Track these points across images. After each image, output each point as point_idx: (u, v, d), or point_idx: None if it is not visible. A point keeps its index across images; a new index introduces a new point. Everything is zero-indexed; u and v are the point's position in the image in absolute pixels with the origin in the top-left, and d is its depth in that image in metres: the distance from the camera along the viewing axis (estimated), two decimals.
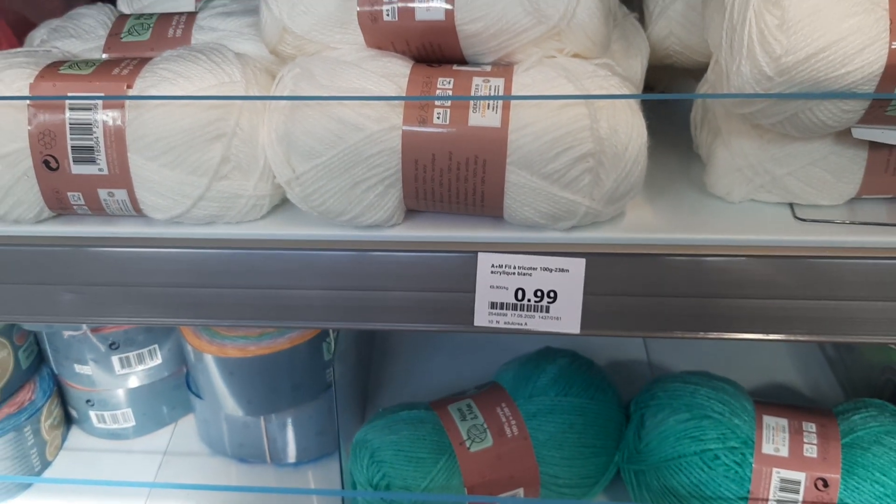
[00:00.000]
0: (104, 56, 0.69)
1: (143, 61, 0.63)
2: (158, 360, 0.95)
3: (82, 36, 0.71)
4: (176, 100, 0.59)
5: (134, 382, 0.96)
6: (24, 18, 0.79)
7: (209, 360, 0.87)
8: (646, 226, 0.61)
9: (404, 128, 0.57)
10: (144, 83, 0.60)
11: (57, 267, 0.64)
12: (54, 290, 0.64)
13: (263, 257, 0.62)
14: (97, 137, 0.60)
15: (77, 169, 0.61)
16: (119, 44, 0.70)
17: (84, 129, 0.60)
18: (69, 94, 0.60)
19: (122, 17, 0.73)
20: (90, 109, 0.60)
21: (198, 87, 0.60)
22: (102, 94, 0.59)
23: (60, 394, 0.99)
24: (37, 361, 0.97)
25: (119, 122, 0.59)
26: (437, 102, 0.57)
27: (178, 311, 0.64)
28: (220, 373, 0.87)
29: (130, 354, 0.93)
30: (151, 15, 0.73)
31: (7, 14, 0.78)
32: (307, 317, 0.64)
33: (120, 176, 0.61)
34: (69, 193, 0.62)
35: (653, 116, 0.59)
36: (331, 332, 0.90)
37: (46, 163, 0.61)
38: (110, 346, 0.91)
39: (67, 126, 0.60)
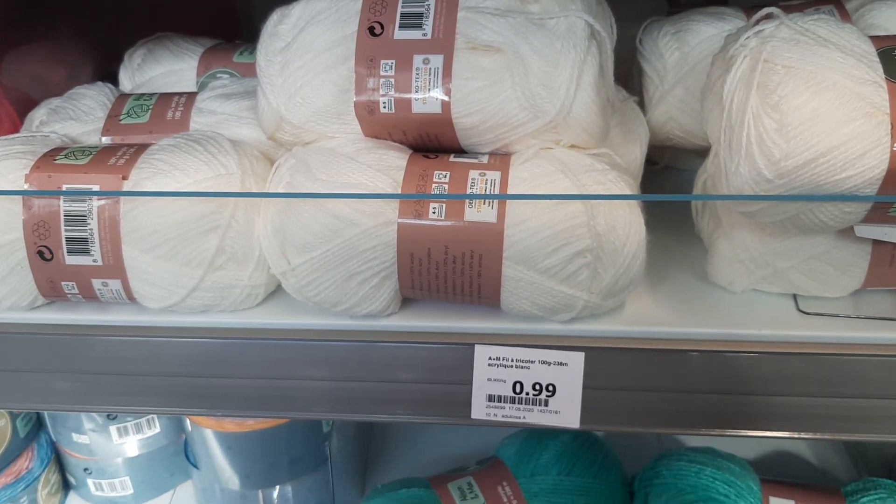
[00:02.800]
0: (103, 139, 0.69)
1: (141, 149, 0.63)
2: (157, 429, 0.94)
3: (81, 118, 0.71)
4: (171, 196, 0.59)
5: (132, 451, 0.95)
6: (26, 96, 0.79)
7: (207, 433, 0.86)
8: (647, 317, 0.60)
9: (400, 221, 0.57)
10: (140, 175, 0.60)
11: (51, 354, 0.63)
12: (49, 378, 0.64)
13: (258, 346, 0.61)
14: (91, 229, 0.59)
15: (71, 260, 0.60)
16: (118, 126, 0.70)
17: (79, 220, 0.59)
18: (63, 189, 0.59)
19: (122, 97, 0.73)
20: (85, 201, 0.59)
21: (193, 179, 0.59)
22: (97, 189, 0.59)
23: (59, 460, 0.98)
24: (35, 429, 0.96)
25: (114, 214, 0.59)
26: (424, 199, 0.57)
27: (173, 400, 0.63)
28: (217, 446, 0.86)
29: (128, 424, 0.92)
30: (151, 95, 0.73)
31: (10, 92, 0.78)
32: (302, 408, 0.63)
33: (114, 267, 0.60)
34: (63, 283, 0.61)
35: (653, 202, 0.58)
36: None
37: (40, 253, 0.60)
38: (108, 415, 0.90)
39: (62, 217, 0.60)
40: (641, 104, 0.69)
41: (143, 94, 0.73)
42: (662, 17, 0.71)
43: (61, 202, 0.60)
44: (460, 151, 0.62)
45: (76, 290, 0.62)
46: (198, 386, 0.63)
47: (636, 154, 0.65)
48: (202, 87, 0.80)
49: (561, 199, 0.55)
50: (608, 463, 0.84)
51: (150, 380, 0.63)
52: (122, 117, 0.70)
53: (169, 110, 0.70)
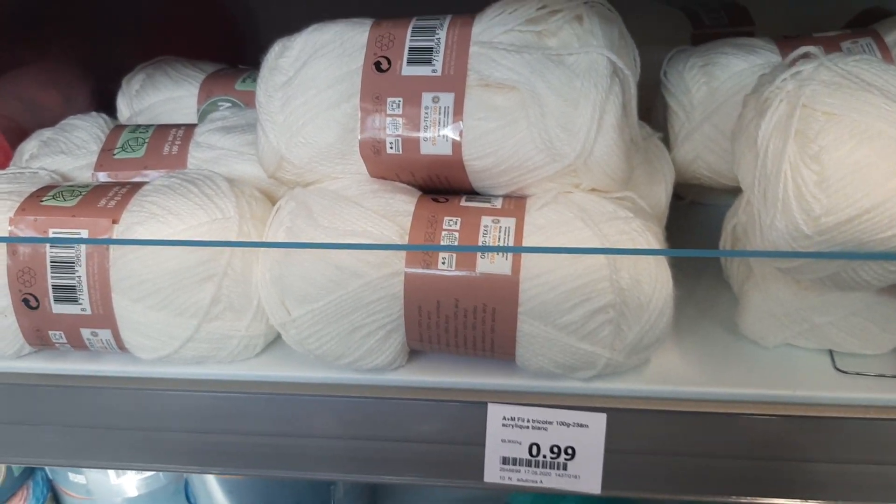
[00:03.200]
0: (98, 175, 0.65)
1: (134, 189, 0.59)
2: None
3: (73, 152, 0.67)
4: (164, 244, 0.55)
5: (131, 491, 0.91)
6: (18, 126, 0.76)
7: (209, 477, 0.82)
8: (673, 375, 0.56)
9: (407, 271, 0.53)
10: (131, 219, 0.56)
11: (39, 406, 0.60)
12: (37, 431, 0.60)
13: (257, 400, 0.58)
14: (80, 276, 0.56)
15: (58, 308, 0.57)
16: (111, 161, 0.66)
17: (66, 267, 0.56)
18: (50, 235, 0.56)
19: (117, 129, 0.69)
20: (73, 247, 0.56)
21: (188, 224, 0.56)
22: (86, 234, 0.56)
23: (55, 500, 0.95)
24: (30, 467, 0.93)
25: (103, 261, 0.56)
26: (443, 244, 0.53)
27: (167, 457, 0.60)
28: (220, 490, 0.83)
29: None
30: (147, 127, 0.69)
31: (1, 120, 0.75)
32: (304, 467, 0.59)
33: (104, 316, 0.57)
34: (50, 332, 0.58)
35: (679, 241, 0.54)
36: None
37: (26, 301, 0.57)
38: None
39: (48, 264, 0.56)
40: (665, 139, 0.65)
41: (139, 126, 0.70)
42: (688, 47, 0.67)
43: (48, 248, 0.56)
44: (472, 192, 0.59)
45: (64, 340, 0.58)
46: (193, 442, 0.59)
47: (661, 196, 0.61)
48: (202, 116, 0.77)
49: (581, 253, 0.51)
50: None
51: (142, 435, 0.59)
52: (116, 151, 0.67)
53: (166, 144, 0.67)
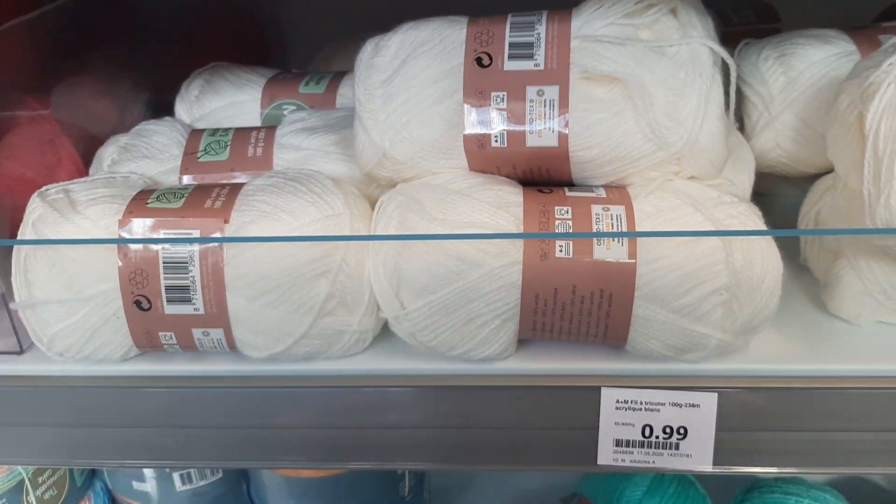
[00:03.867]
0: (183, 178, 0.66)
1: (235, 190, 0.60)
2: (219, 475, 0.91)
3: (156, 156, 0.67)
4: (281, 241, 0.56)
5: (193, 499, 0.91)
6: (85, 133, 0.76)
7: (278, 479, 0.82)
8: (776, 355, 0.58)
9: (525, 262, 0.54)
10: (242, 218, 0.57)
11: (146, 407, 0.60)
12: (147, 434, 0.60)
13: (366, 394, 0.58)
14: (193, 276, 0.56)
15: (171, 309, 0.57)
16: (196, 164, 0.67)
17: (179, 267, 0.56)
18: (162, 237, 0.56)
19: (195, 133, 0.70)
20: (186, 247, 0.56)
21: (301, 222, 0.57)
22: (198, 234, 0.56)
23: None
24: (90, 476, 0.92)
25: (217, 261, 0.56)
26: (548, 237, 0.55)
27: (273, 453, 0.60)
28: (290, 493, 0.83)
29: (192, 470, 0.88)
30: (226, 131, 0.70)
31: (69, 128, 0.75)
32: (415, 457, 0.60)
33: (217, 315, 0.57)
34: (161, 333, 0.58)
35: None
36: None
37: (138, 303, 0.57)
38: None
39: (161, 265, 0.56)
40: (740, 129, 0.67)
41: (217, 130, 0.70)
42: (753, 40, 0.70)
43: (160, 249, 0.56)
44: (569, 183, 0.60)
45: (174, 341, 0.58)
46: (303, 437, 0.60)
47: (745, 183, 0.63)
48: (268, 119, 0.78)
49: (701, 236, 0.52)
50: (697, 496, 0.81)
51: (253, 433, 0.59)
52: (199, 155, 0.67)
53: (249, 146, 0.67)
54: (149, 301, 0.57)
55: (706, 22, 0.57)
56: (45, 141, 0.76)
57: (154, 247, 0.56)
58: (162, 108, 0.84)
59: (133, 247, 0.56)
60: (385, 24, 0.62)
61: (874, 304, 0.58)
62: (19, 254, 0.58)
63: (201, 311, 0.57)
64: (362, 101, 0.59)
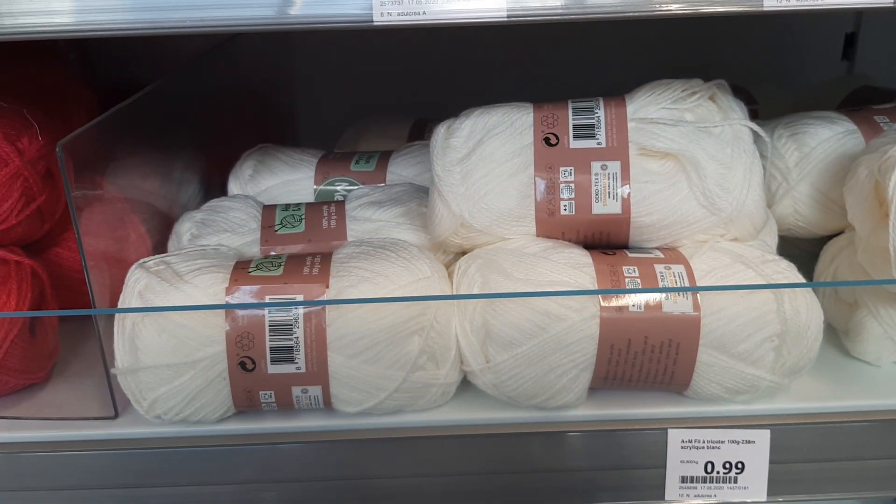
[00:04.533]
0: (263, 249, 0.71)
1: (326, 258, 0.65)
2: None
3: (236, 230, 0.72)
4: (381, 302, 0.61)
5: None
6: (146, 207, 0.80)
7: None
8: (813, 394, 0.65)
9: (603, 315, 0.61)
10: (342, 283, 0.62)
11: (242, 464, 0.63)
12: (246, 490, 0.64)
13: (453, 442, 0.63)
14: (297, 338, 0.61)
15: (274, 369, 0.61)
16: (275, 236, 0.72)
17: (284, 329, 0.61)
18: (266, 301, 0.61)
19: (268, 209, 0.75)
20: (290, 311, 0.61)
21: (397, 284, 0.62)
22: (301, 298, 0.61)
23: None
24: None
25: (320, 322, 0.61)
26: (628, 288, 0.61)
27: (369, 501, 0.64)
28: None
29: None
30: (298, 206, 0.75)
31: (138, 207, 0.79)
32: (499, 500, 0.65)
33: (317, 373, 0.62)
34: (261, 392, 0.62)
35: None
36: None
37: (243, 364, 0.61)
38: None
39: (267, 327, 0.61)
40: None
41: (289, 205, 0.76)
42: (762, 120, 0.79)
43: (266, 313, 0.61)
44: (624, 247, 0.67)
45: (272, 399, 0.63)
46: (396, 486, 0.64)
47: (772, 244, 0.71)
48: (321, 195, 0.84)
49: (763, 289, 0.60)
50: None
51: (348, 484, 0.64)
52: (276, 228, 0.73)
53: (322, 219, 0.73)
54: (253, 362, 0.61)
55: (741, 106, 0.66)
56: (116, 218, 0.80)
57: (260, 311, 0.61)
58: (212, 186, 0.89)
59: (240, 312, 0.61)
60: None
61: (893, 347, 0.67)
62: (124, 322, 0.62)
63: (303, 370, 0.62)
64: (441, 176, 0.66)
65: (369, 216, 0.73)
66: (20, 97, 0.72)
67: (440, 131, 0.68)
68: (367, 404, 0.63)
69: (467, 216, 0.65)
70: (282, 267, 0.64)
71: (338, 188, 0.84)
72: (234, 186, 0.86)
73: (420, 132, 1.01)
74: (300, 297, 0.62)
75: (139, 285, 0.63)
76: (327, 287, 0.62)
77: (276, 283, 0.62)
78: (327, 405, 0.64)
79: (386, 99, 1.15)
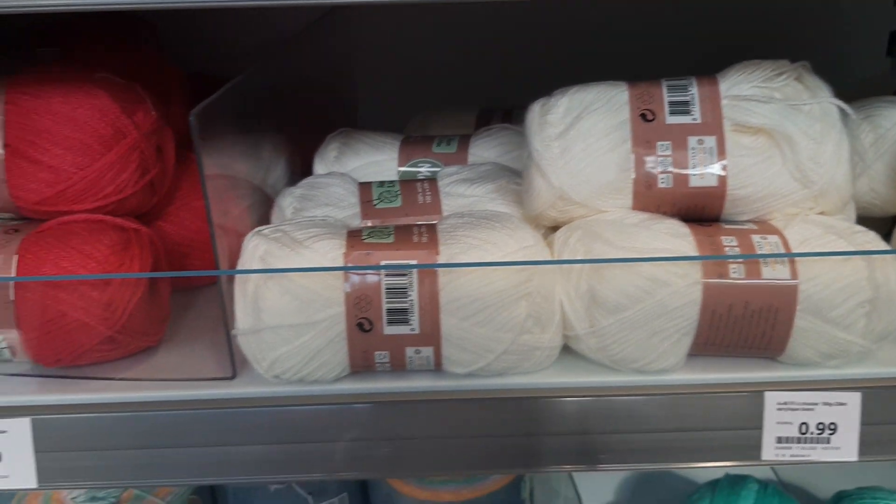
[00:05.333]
0: (367, 223, 0.74)
1: (431, 229, 0.68)
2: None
3: (337, 204, 0.75)
4: (492, 266, 0.64)
5: None
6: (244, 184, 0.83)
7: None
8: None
9: (705, 281, 0.64)
10: (451, 250, 0.65)
11: (356, 422, 0.66)
12: (358, 447, 0.66)
13: (555, 404, 0.66)
14: (412, 300, 0.64)
15: (389, 330, 0.64)
16: (374, 210, 0.75)
17: (400, 292, 0.64)
18: (383, 263, 0.64)
19: (364, 185, 0.78)
20: (405, 276, 0.64)
21: (504, 252, 0.65)
22: (418, 262, 0.64)
23: None
24: None
25: (433, 286, 0.64)
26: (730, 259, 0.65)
27: (476, 459, 0.67)
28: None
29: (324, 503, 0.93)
30: (392, 182, 0.79)
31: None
32: (614, 459, 0.67)
33: (430, 335, 0.65)
34: (377, 353, 0.65)
35: None
36: None
37: (360, 325, 0.64)
38: (309, 493, 0.91)
39: (383, 291, 0.64)
40: None
41: (384, 182, 0.79)
42: None
43: (382, 277, 0.64)
44: (716, 220, 0.70)
45: (387, 360, 0.66)
46: (506, 445, 0.67)
47: (853, 220, 0.75)
48: (405, 176, 0.87)
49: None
50: None
51: (459, 442, 0.66)
52: (375, 202, 0.76)
53: (418, 195, 0.76)
54: (371, 323, 0.64)
55: (826, 86, 0.69)
56: (230, 190, 0.83)
57: (377, 275, 0.64)
58: (293, 166, 0.93)
59: (358, 275, 0.64)
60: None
61: None
62: (246, 285, 0.65)
63: (417, 331, 0.65)
64: (540, 151, 0.69)
65: (462, 192, 0.76)
66: (121, 75, 0.75)
67: (535, 109, 0.71)
68: (476, 365, 0.66)
69: (567, 189, 0.68)
70: (392, 235, 0.67)
71: (421, 169, 0.87)
72: (319, 167, 0.89)
73: (486, 121, 1.04)
74: (413, 262, 0.65)
75: (259, 251, 0.66)
76: (437, 254, 0.65)
77: (390, 250, 0.66)
78: (438, 366, 0.67)
79: (438, 89, 1.19)
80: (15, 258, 0.65)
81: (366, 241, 0.66)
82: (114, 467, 0.68)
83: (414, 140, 0.90)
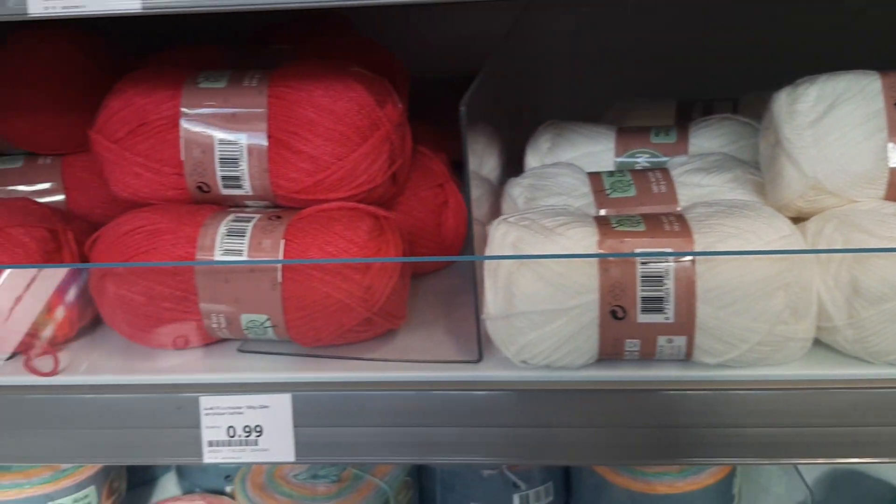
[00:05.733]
0: (599, 211, 0.75)
1: (679, 217, 0.68)
2: (550, 498, 0.97)
3: (570, 193, 0.76)
4: (750, 254, 0.64)
5: None
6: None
7: (636, 497, 0.89)
8: None
9: None
10: (707, 239, 0.65)
11: (602, 410, 0.67)
12: (605, 434, 0.68)
13: (809, 396, 0.66)
14: (668, 289, 0.64)
15: (643, 318, 0.65)
16: (608, 199, 0.76)
17: (655, 280, 0.65)
18: (637, 251, 0.65)
19: (594, 175, 0.79)
20: (661, 263, 0.65)
21: (764, 241, 0.65)
22: (673, 250, 0.65)
23: None
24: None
25: (689, 275, 0.64)
26: None
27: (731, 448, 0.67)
28: None
29: (529, 492, 0.95)
30: (622, 172, 0.79)
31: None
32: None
33: (684, 323, 0.65)
34: (628, 341, 0.66)
35: None
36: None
37: (613, 312, 0.65)
38: (514, 484, 0.93)
39: (638, 279, 0.65)
40: None
41: (613, 172, 0.80)
42: None
43: (638, 265, 0.65)
44: None
45: (637, 348, 0.66)
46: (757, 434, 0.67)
47: None
48: (621, 166, 0.87)
49: None
50: None
51: (707, 432, 0.67)
52: (608, 192, 0.76)
53: (652, 185, 0.76)
54: (624, 311, 0.65)
55: None
56: (436, 185, 0.86)
57: (632, 263, 0.65)
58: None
59: (613, 263, 0.65)
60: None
61: None
62: (498, 271, 0.67)
63: (671, 320, 0.65)
64: (791, 139, 0.68)
65: (698, 182, 0.76)
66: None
67: (782, 97, 0.71)
68: (728, 355, 0.66)
69: (821, 178, 0.67)
70: (642, 224, 0.68)
71: (638, 160, 0.87)
72: (532, 159, 0.90)
73: (687, 113, 1.03)
74: (669, 251, 0.65)
75: (510, 237, 0.68)
76: (692, 242, 0.65)
77: (644, 237, 0.66)
78: (689, 356, 0.67)
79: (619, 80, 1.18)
80: (282, 243, 0.69)
81: (617, 229, 0.67)
82: (362, 444, 0.71)
83: (630, 130, 0.90)
